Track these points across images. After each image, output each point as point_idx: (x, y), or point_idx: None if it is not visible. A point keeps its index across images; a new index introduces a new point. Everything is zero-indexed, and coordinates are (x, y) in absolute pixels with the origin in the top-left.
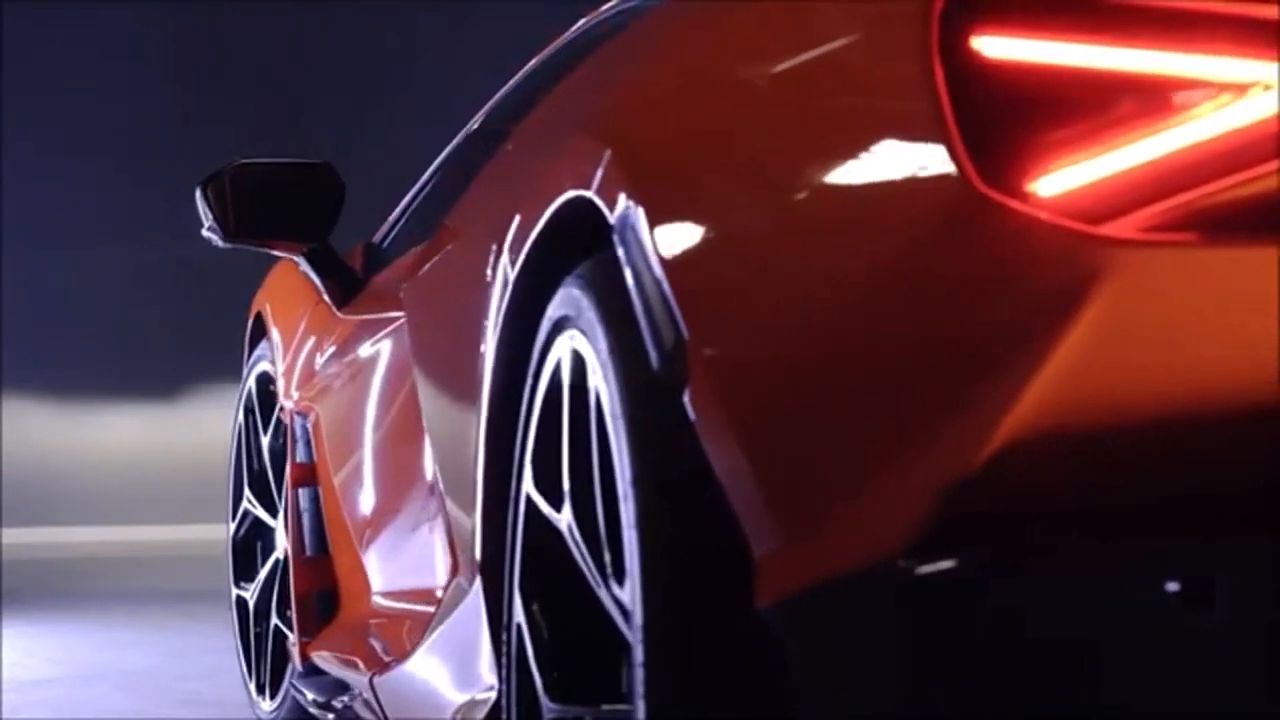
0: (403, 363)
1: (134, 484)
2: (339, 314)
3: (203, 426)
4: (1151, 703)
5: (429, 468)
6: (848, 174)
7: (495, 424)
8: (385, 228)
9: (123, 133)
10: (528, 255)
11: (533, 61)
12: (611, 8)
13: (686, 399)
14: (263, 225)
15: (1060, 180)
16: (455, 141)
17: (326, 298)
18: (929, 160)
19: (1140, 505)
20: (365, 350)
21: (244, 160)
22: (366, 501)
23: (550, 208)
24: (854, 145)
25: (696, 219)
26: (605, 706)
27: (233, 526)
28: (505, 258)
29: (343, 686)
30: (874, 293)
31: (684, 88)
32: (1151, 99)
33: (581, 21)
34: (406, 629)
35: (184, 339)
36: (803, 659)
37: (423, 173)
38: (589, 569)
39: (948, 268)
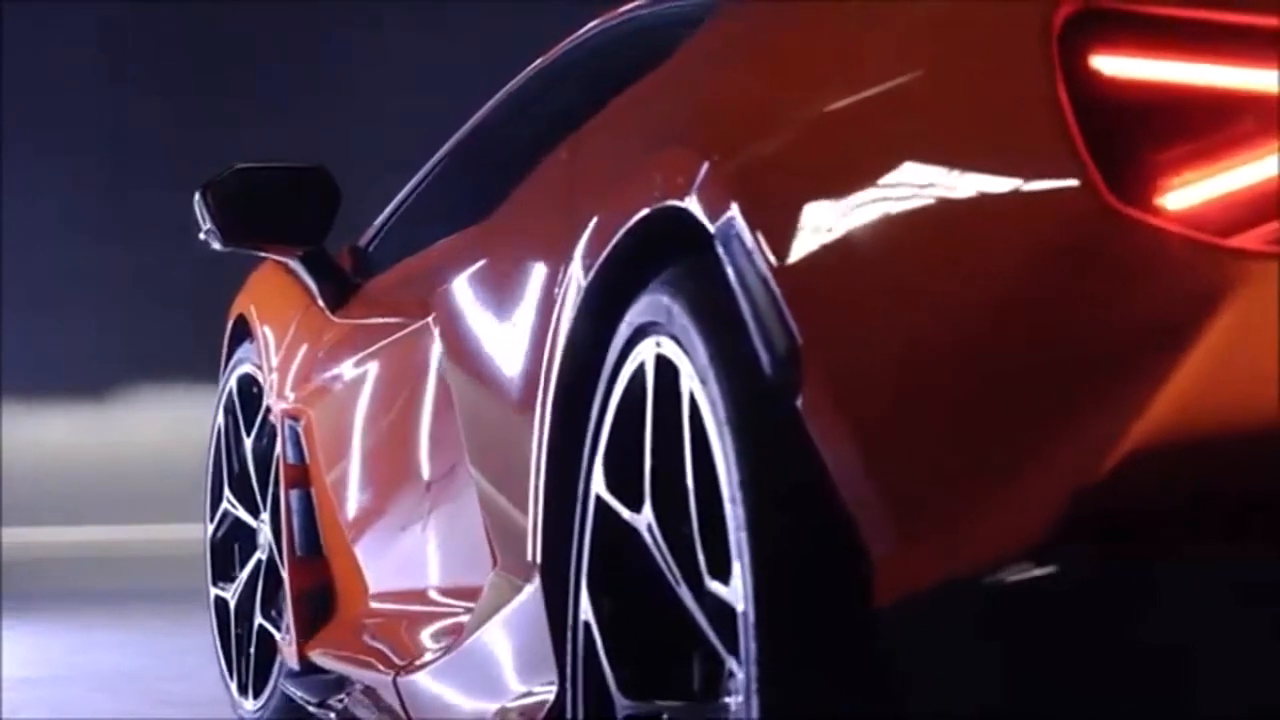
0: (410, 366)
1: (90, 485)
2: (333, 317)
3: (135, 427)
4: (1274, 704)
5: (455, 469)
6: (970, 184)
7: (559, 427)
8: (372, 231)
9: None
10: (604, 262)
11: (535, 66)
12: (625, 11)
13: (800, 403)
14: (260, 229)
15: (1189, 194)
16: (448, 147)
17: (320, 301)
18: (1055, 173)
19: (1266, 509)
20: (365, 354)
21: (242, 165)
22: (372, 503)
23: (634, 217)
24: (975, 157)
25: (810, 228)
26: (684, 702)
27: (211, 527)
28: (576, 265)
29: (338, 685)
30: (1001, 300)
31: (791, 97)
32: (1274, 115)
33: (588, 26)
34: (435, 628)
35: (149, 339)
36: (918, 657)
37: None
38: (669, 568)
39: (1078, 276)
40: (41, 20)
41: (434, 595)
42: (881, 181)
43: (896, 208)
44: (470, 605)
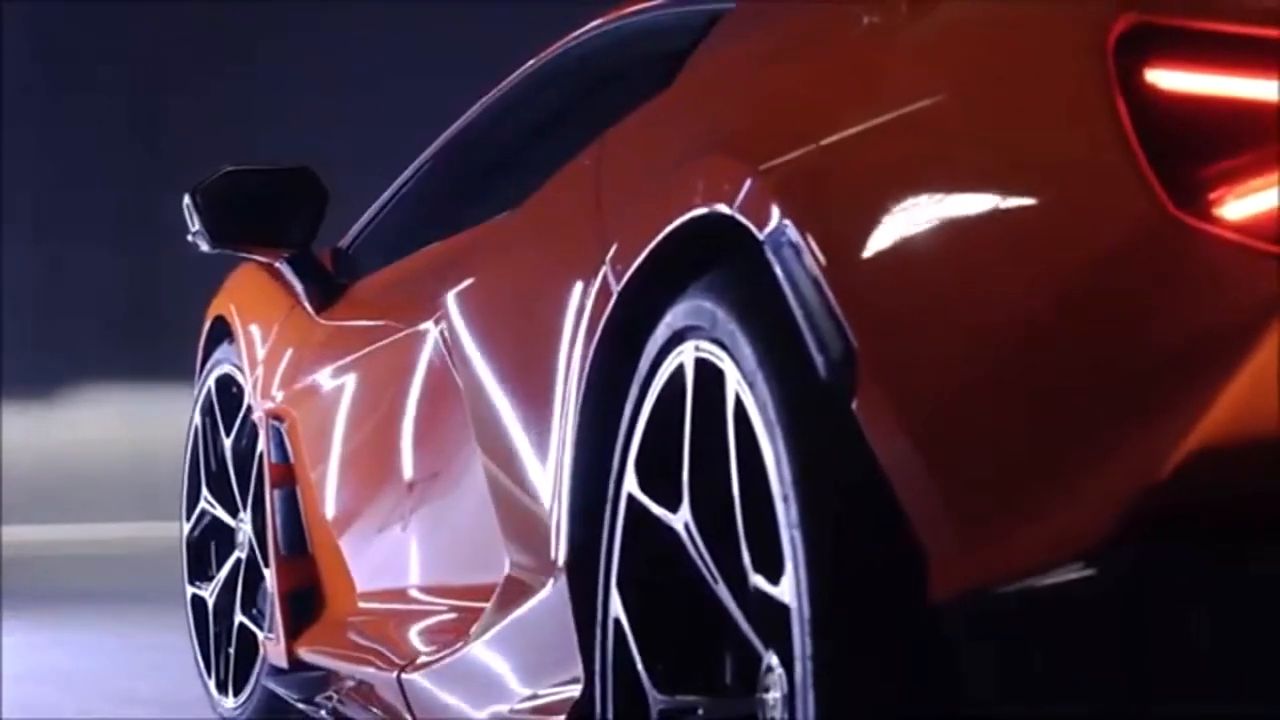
0: (407, 367)
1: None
2: (319, 319)
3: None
4: None
5: (451, 469)
6: (1029, 192)
7: (587, 429)
8: (353, 233)
9: None
10: (640, 267)
11: (523, 70)
12: (615, 16)
13: (855, 406)
14: (248, 231)
15: (1246, 204)
16: (432, 150)
17: (306, 303)
18: (1115, 182)
19: None
20: (356, 355)
21: (230, 167)
22: (363, 502)
23: (672, 223)
24: (1033, 165)
25: (864, 234)
26: (719, 698)
27: (188, 526)
28: (607, 269)
29: (324, 682)
30: (1062, 304)
31: (843, 106)
32: None
33: (576, 31)
34: (438, 626)
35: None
36: (974, 655)
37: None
38: (706, 566)
39: (1138, 282)
40: None
41: (433, 593)
42: (938, 188)
43: (954, 214)
44: (471, 604)
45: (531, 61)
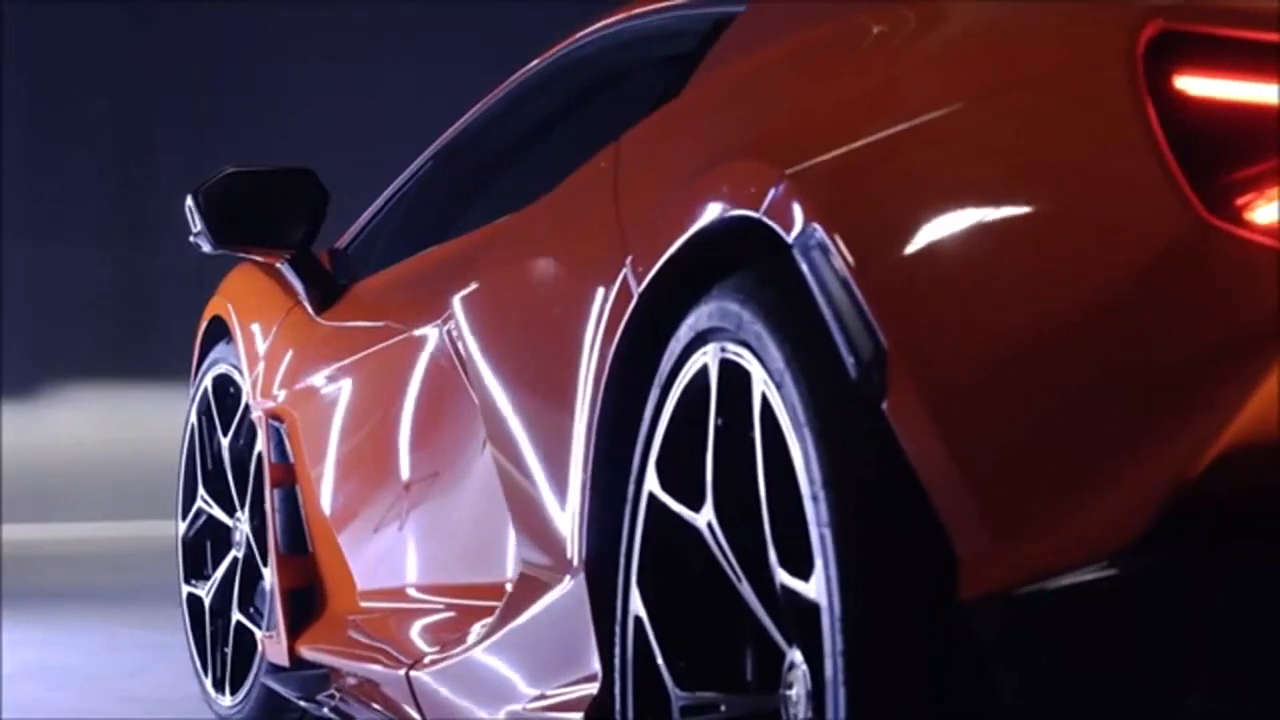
0: (412, 366)
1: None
2: (320, 320)
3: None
4: None
5: (456, 468)
6: (1061, 197)
7: (606, 429)
8: (350, 235)
9: None
10: (662, 269)
11: (523, 71)
12: (616, 20)
13: (886, 407)
14: (250, 232)
15: (1276, 209)
16: (430, 151)
17: (307, 303)
18: (1147, 187)
19: None
20: (360, 354)
21: (233, 168)
22: (367, 501)
23: (695, 226)
24: (1065, 170)
25: (895, 239)
26: (740, 694)
27: (183, 526)
28: (627, 271)
29: (325, 681)
30: (1094, 306)
31: (871, 112)
32: None
33: (577, 34)
34: (446, 624)
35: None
36: (1005, 652)
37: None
38: (729, 564)
39: (1171, 285)
40: None
41: (438, 592)
42: (967, 191)
43: (985, 217)
44: (478, 602)
45: (531, 64)
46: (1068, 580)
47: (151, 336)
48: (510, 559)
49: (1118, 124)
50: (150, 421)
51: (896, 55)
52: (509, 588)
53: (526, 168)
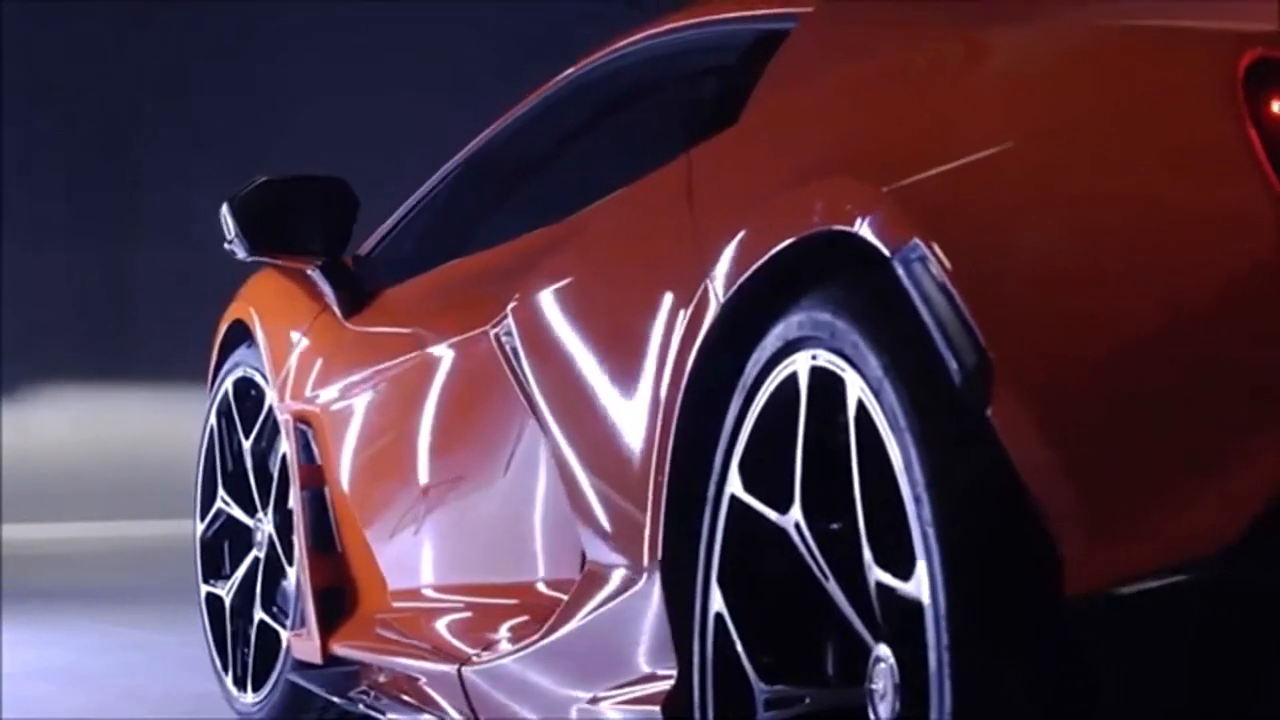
0: (452, 372)
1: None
2: (349, 325)
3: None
4: None
5: (514, 470)
6: (1163, 210)
7: (685, 433)
8: (374, 241)
9: None
10: (749, 280)
11: (553, 82)
12: (645, 35)
13: (990, 412)
14: (282, 240)
15: None
16: (457, 159)
17: (335, 308)
18: (1249, 202)
19: None
20: (396, 360)
21: (266, 177)
22: (407, 501)
23: (786, 239)
24: (1166, 186)
25: (996, 250)
26: (825, 688)
27: (202, 526)
28: (708, 282)
29: (355, 678)
30: (1199, 313)
31: (967, 131)
32: None
33: (609, 47)
34: (503, 621)
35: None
36: (1108, 650)
37: None
38: (816, 564)
39: (1274, 296)
40: None
41: (485, 592)
42: (1067, 208)
43: (1087, 228)
44: (533, 601)
45: (563, 74)
46: (1167, 580)
47: (127, 336)
48: (568, 559)
49: (1221, 146)
50: (128, 422)
51: (992, 79)
52: (572, 586)
53: (555, 177)
